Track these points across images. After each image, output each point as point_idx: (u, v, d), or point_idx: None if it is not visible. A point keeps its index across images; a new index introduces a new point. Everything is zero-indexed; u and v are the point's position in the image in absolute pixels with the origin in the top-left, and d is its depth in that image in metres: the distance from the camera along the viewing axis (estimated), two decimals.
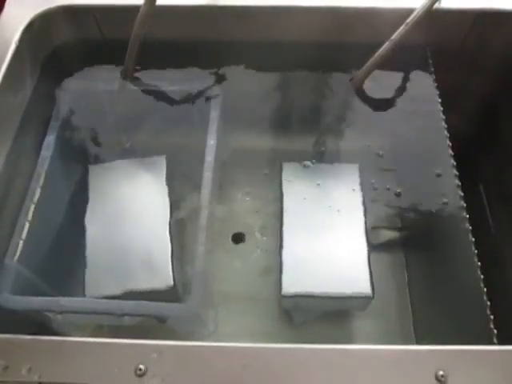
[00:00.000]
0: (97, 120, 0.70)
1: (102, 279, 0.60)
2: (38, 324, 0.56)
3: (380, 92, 0.67)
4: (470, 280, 0.51)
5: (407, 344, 0.64)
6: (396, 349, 0.42)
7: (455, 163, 0.57)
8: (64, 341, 0.42)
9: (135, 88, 0.67)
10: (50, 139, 0.63)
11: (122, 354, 0.41)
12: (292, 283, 0.59)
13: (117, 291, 0.58)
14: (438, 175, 0.61)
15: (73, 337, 0.43)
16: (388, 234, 0.70)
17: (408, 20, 0.59)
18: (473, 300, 0.51)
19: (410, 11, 0.60)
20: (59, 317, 0.51)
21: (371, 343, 0.55)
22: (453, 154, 0.57)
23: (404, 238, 0.70)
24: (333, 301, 0.59)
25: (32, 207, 0.58)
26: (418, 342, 0.64)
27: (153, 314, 0.50)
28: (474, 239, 0.52)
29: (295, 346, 0.42)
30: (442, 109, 0.61)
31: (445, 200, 0.60)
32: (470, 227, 0.52)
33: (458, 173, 0.56)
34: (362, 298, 0.59)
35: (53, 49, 0.67)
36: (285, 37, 0.66)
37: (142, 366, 0.40)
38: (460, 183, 0.55)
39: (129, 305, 0.50)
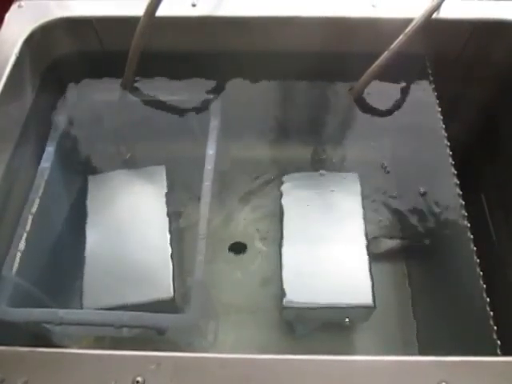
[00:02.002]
0: (96, 131, 0.70)
1: (100, 290, 0.59)
2: (37, 336, 0.55)
3: (379, 101, 0.67)
4: (473, 289, 0.50)
5: (410, 355, 0.63)
6: (398, 360, 0.42)
7: (456, 172, 0.56)
8: (61, 353, 0.41)
9: (135, 98, 0.67)
10: (50, 150, 0.63)
11: (120, 365, 0.40)
12: (293, 294, 0.58)
13: (116, 302, 0.57)
14: (439, 184, 0.60)
15: (71, 348, 0.42)
16: (389, 244, 0.69)
17: (407, 30, 0.59)
18: (475, 310, 0.50)
19: (409, 21, 0.60)
20: (57, 328, 0.50)
21: (373, 354, 0.54)
22: (453, 162, 0.57)
23: (405, 247, 0.69)
24: (334, 311, 0.59)
25: (30, 218, 0.58)
26: (421, 353, 0.63)
27: (151, 325, 0.49)
28: (475, 248, 0.51)
29: (297, 356, 0.41)
30: (441, 117, 0.60)
31: (446, 209, 0.59)
32: (472, 236, 0.52)
33: (458, 181, 0.55)
34: (363, 308, 0.58)
35: (53, 60, 0.67)
36: (284, 47, 0.66)
37: (139, 378, 0.39)
38: (461, 192, 0.55)
39: (127, 316, 0.50)
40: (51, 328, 0.51)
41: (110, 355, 0.40)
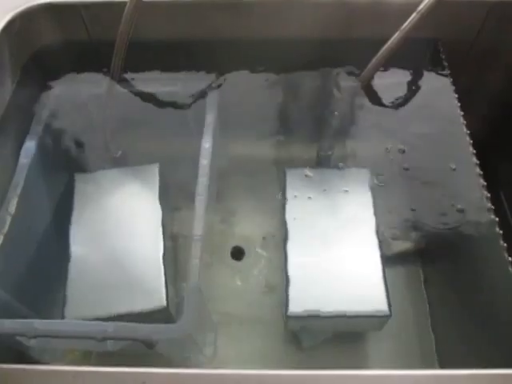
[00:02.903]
0: (83, 126, 0.66)
1: (85, 299, 0.55)
2: (16, 351, 0.49)
3: (389, 89, 0.62)
4: (503, 292, 0.45)
5: (429, 368, 0.59)
6: (417, 374, 0.38)
7: (478, 162, 0.51)
8: (29, 370, 0.36)
9: (124, 90, 0.63)
10: (31, 145, 0.58)
11: None
12: (299, 301, 0.55)
13: (101, 313, 0.53)
14: (459, 176, 0.55)
15: (46, 365, 0.36)
16: (403, 245, 0.65)
17: (420, 7, 0.55)
18: (507, 315, 0.45)
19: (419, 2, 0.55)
20: (32, 341, 0.44)
21: (388, 368, 0.49)
22: (475, 151, 0.52)
23: (421, 248, 0.65)
24: (345, 320, 0.54)
25: (8, 219, 0.53)
26: (442, 366, 0.58)
27: (139, 336, 0.44)
28: (505, 245, 0.46)
29: (304, 371, 0.38)
30: (459, 104, 0.56)
31: (468, 203, 0.54)
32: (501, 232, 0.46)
33: (481, 172, 0.50)
34: (377, 316, 0.54)
35: (35, 50, 0.63)
36: (286, 33, 0.62)
37: None
38: (485, 183, 0.49)
39: (111, 327, 0.44)
40: (25, 341, 0.45)
41: (85, 372, 0.35)
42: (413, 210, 0.63)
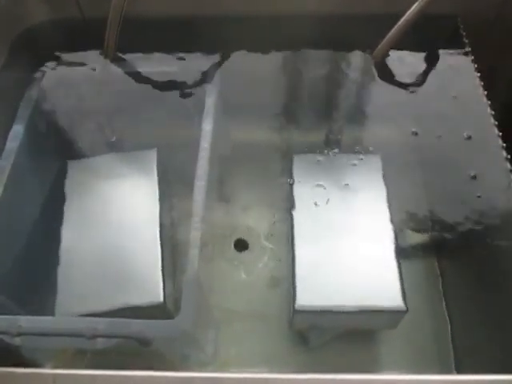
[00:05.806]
0: (75, 107, 0.63)
1: (77, 295, 0.52)
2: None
3: (406, 67, 0.60)
4: None
5: (447, 372, 0.56)
6: (434, 379, 0.36)
7: (504, 144, 0.47)
8: (7, 373, 0.32)
9: (119, 70, 0.61)
10: (18, 128, 0.56)
11: None
12: (307, 295, 0.51)
13: (94, 308, 0.50)
14: (483, 160, 0.51)
15: (21, 368, 0.33)
16: (418, 237, 0.62)
17: None
18: None
19: None
20: (17, 340, 0.41)
21: (403, 371, 0.51)
22: (500, 133, 0.48)
23: (438, 240, 0.61)
24: (356, 316, 0.51)
25: None
26: (460, 371, 0.55)
27: (132, 334, 0.40)
28: None
29: (311, 375, 0.36)
30: (481, 83, 0.52)
31: (492, 190, 0.50)
32: None
33: (509, 156, 0.46)
34: (392, 312, 0.51)
35: (25, 29, 0.62)
36: (293, 9, 0.60)
37: None
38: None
39: (102, 323, 0.41)
40: (9, 340, 0.41)
41: (66, 375, 0.31)
42: (429, 197, 0.60)
